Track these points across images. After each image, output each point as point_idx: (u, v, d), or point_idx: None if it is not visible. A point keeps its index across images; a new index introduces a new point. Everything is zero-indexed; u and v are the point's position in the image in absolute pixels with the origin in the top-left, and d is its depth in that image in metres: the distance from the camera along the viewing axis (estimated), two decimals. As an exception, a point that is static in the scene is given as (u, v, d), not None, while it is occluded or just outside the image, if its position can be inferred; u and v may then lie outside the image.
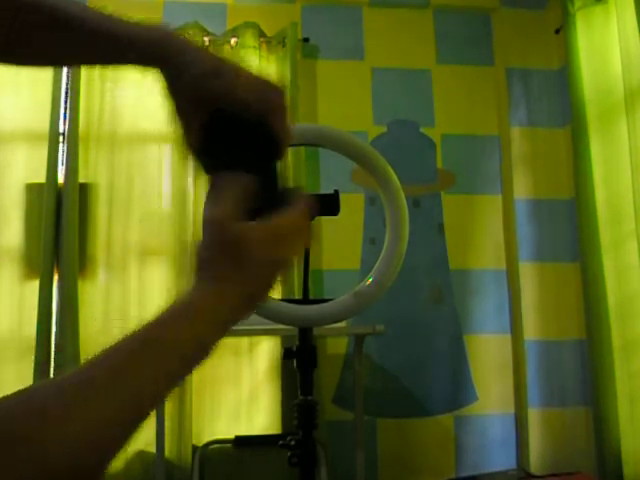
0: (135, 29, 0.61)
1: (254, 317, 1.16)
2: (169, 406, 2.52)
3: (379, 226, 2.76)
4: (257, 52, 2.85)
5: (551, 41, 3.11)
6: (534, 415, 2.88)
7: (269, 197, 0.58)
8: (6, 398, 0.40)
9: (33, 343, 2.50)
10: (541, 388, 2.91)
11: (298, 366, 1.19)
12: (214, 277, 0.52)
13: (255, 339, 2.71)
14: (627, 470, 2.41)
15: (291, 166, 2.75)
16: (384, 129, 3.00)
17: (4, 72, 2.72)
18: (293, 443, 1.14)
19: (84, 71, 2.74)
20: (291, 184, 0.60)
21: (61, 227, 2.62)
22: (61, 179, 2.67)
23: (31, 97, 2.73)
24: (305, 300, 1.24)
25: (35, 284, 2.58)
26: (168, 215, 2.77)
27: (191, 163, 0.64)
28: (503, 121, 3.10)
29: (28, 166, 2.70)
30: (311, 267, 1.24)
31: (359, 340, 2.51)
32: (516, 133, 3.10)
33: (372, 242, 2.86)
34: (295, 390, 1.18)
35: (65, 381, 0.44)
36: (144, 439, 2.40)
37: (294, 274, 2.71)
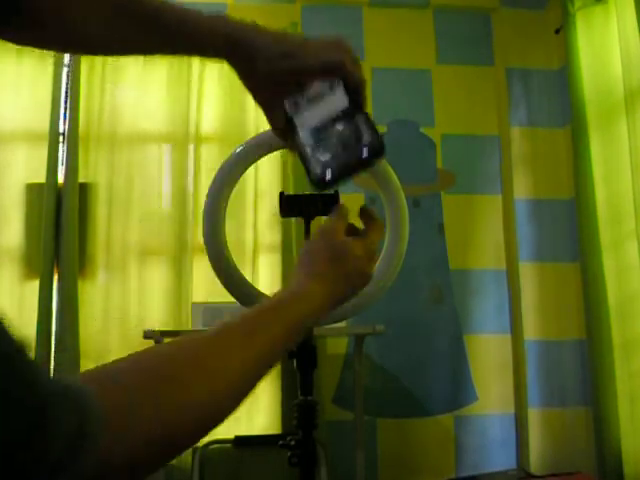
0: (207, 20, 0.68)
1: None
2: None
3: (379, 226, 2.76)
4: (257, 52, 2.85)
5: (551, 41, 3.11)
6: (534, 415, 2.88)
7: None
8: (161, 346, 0.54)
9: (33, 343, 2.50)
10: (541, 388, 2.91)
11: (298, 366, 1.19)
12: (316, 273, 0.63)
13: (255, 339, 2.70)
14: (627, 470, 2.41)
15: (291, 166, 2.75)
16: (384, 129, 3.00)
17: (4, 72, 2.72)
18: (293, 443, 1.13)
19: (84, 71, 2.75)
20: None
21: (61, 227, 2.62)
22: (61, 179, 2.67)
23: (31, 97, 2.73)
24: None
25: (35, 284, 2.57)
26: (168, 215, 2.77)
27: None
28: (503, 121, 3.10)
29: (28, 166, 2.70)
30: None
31: (359, 340, 2.51)
32: (516, 133, 3.10)
33: (372, 242, 2.85)
34: (295, 390, 1.18)
35: (209, 336, 0.54)
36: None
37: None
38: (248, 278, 2.38)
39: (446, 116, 3.06)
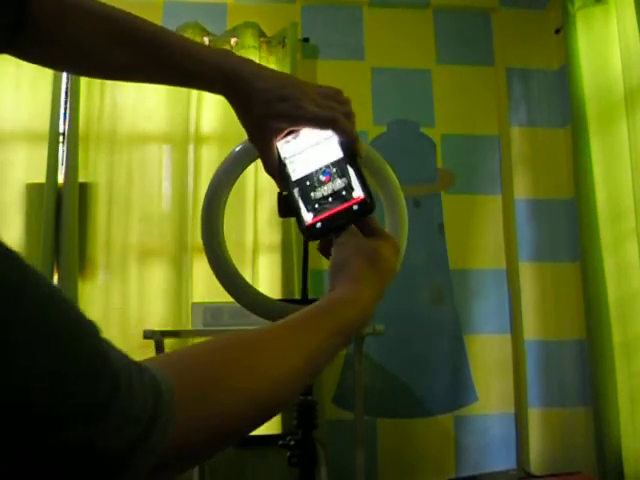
0: (209, 56, 0.68)
1: (254, 317, 1.16)
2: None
3: (379, 226, 2.76)
4: (257, 52, 2.85)
5: (551, 41, 3.11)
6: (534, 415, 2.88)
7: None
8: (226, 337, 0.53)
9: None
10: (541, 388, 2.91)
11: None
12: (358, 278, 0.63)
13: (255, 339, 2.70)
14: (627, 470, 2.40)
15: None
16: (384, 129, 3.00)
17: (4, 72, 2.72)
18: (293, 443, 1.14)
19: (84, 71, 2.75)
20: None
21: (61, 227, 2.62)
22: (61, 179, 2.68)
23: (31, 97, 2.74)
24: (304, 300, 1.23)
25: (35, 284, 2.57)
26: (168, 215, 2.77)
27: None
28: (503, 121, 3.10)
29: (28, 166, 2.70)
30: (310, 267, 1.24)
31: (359, 340, 2.51)
32: (516, 133, 3.10)
33: (372, 242, 2.85)
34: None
35: (267, 332, 0.57)
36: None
37: (294, 274, 2.72)
38: (248, 278, 2.38)
39: (446, 116, 3.06)
